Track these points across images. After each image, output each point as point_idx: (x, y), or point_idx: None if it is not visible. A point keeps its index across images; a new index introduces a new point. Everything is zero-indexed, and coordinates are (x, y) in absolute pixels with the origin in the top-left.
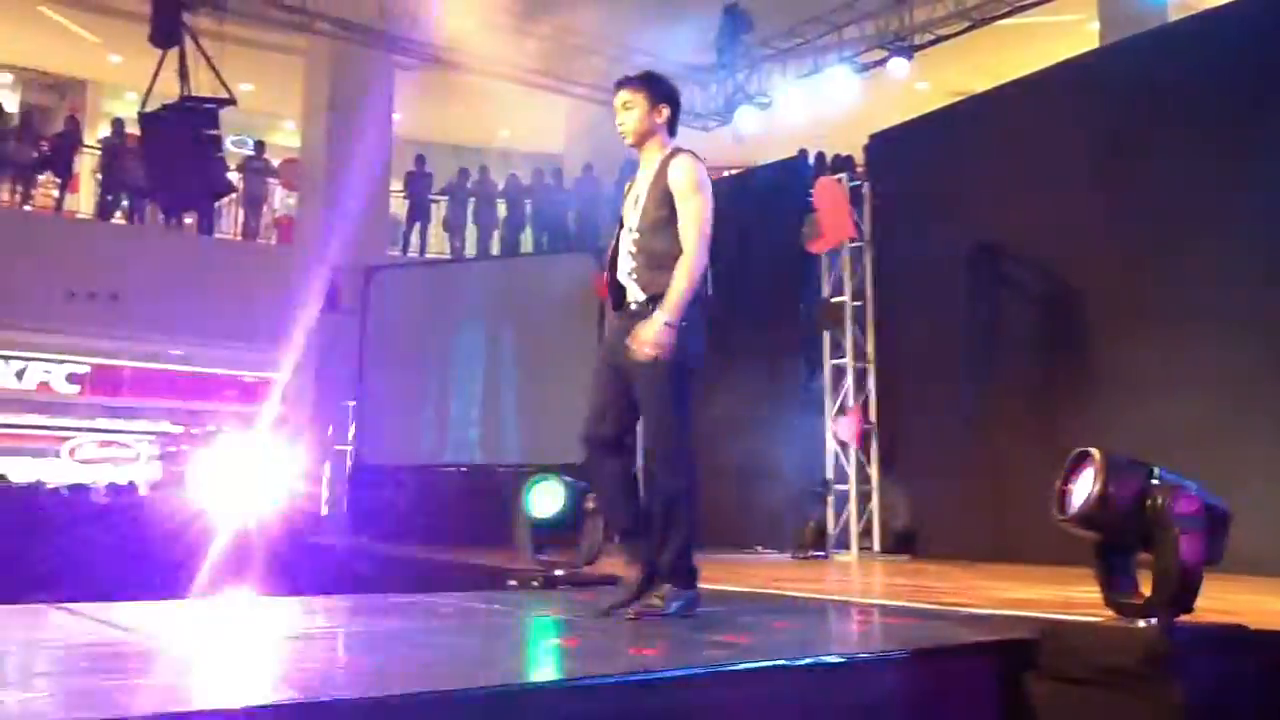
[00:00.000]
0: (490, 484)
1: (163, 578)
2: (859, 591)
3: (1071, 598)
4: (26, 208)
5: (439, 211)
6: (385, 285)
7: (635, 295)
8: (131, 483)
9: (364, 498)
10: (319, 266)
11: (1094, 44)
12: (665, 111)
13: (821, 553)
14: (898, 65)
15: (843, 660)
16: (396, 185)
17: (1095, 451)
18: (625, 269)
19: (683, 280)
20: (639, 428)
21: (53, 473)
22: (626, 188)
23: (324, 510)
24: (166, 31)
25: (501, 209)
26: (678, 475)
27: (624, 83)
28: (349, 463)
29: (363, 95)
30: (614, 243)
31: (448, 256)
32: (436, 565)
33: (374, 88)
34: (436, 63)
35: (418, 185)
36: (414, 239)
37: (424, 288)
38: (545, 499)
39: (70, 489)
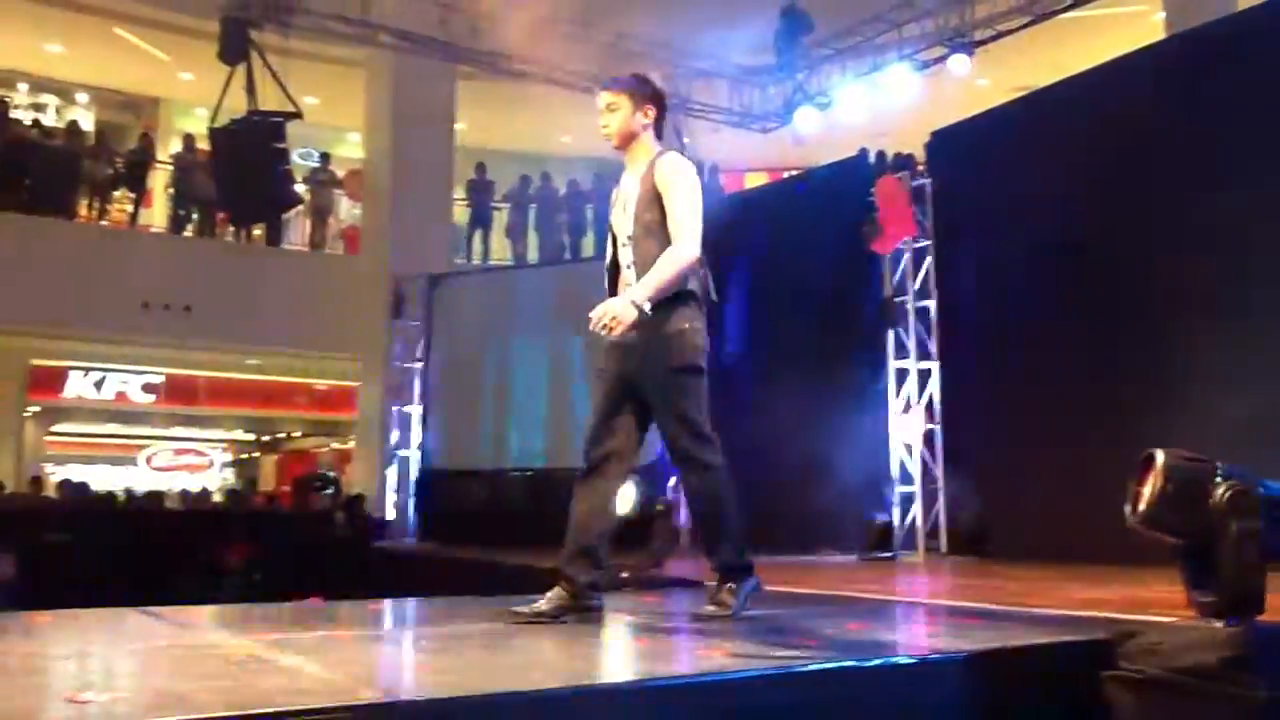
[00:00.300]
0: (555, 487)
1: (233, 581)
2: (928, 593)
3: (1146, 597)
4: (103, 223)
5: (501, 218)
6: (449, 292)
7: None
8: (205, 489)
9: (430, 502)
10: (384, 275)
11: (1159, 35)
12: (651, 113)
13: (888, 554)
14: (958, 62)
15: (915, 661)
16: (459, 193)
17: (1158, 452)
18: (629, 280)
19: (666, 266)
20: (643, 449)
21: (131, 480)
22: (613, 195)
23: (391, 514)
24: (234, 48)
25: (563, 214)
26: (710, 475)
27: (608, 84)
28: (415, 467)
29: (425, 105)
30: (611, 254)
31: (510, 263)
32: (504, 568)
33: (436, 98)
34: (497, 71)
35: (479, 193)
36: (476, 246)
37: (487, 294)
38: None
39: (147, 496)
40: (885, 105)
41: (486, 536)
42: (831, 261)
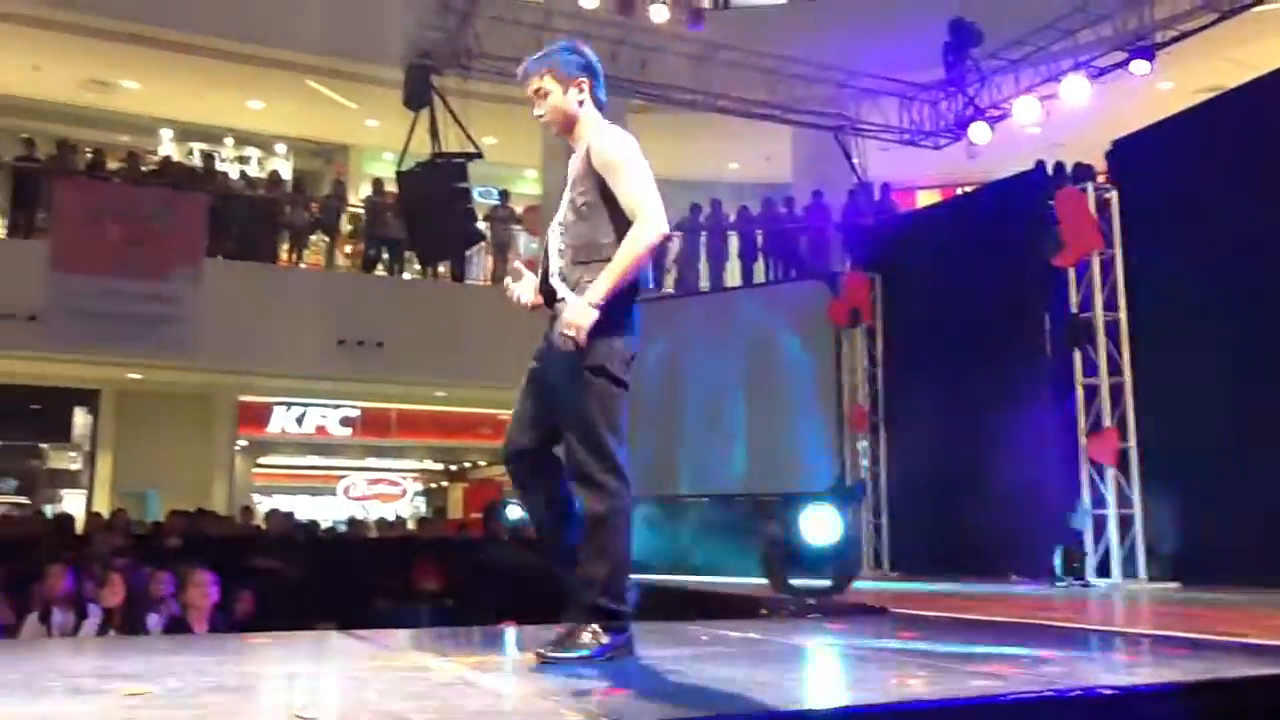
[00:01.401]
0: (729, 513)
1: (428, 606)
2: (1125, 621)
3: None
4: (301, 265)
5: (672, 247)
6: None
7: (565, 297)
8: (399, 517)
9: None
10: None
11: None
12: (585, 85)
13: (1082, 581)
14: (1139, 66)
15: (1117, 692)
16: None
17: None
18: (554, 268)
19: (627, 254)
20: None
21: (330, 510)
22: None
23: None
24: (418, 95)
25: (734, 241)
26: (600, 497)
27: (529, 68)
28: None
29: None
30: (544, 242)
31: (682, 291)
32: (685, 594)
33: None
34: (666, 102)
35: None
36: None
37: (660, 322)
38: (820, 526)
39: (347, 524)
40: (1061, 115)
41: (664, 562)
42: (1010, 278)
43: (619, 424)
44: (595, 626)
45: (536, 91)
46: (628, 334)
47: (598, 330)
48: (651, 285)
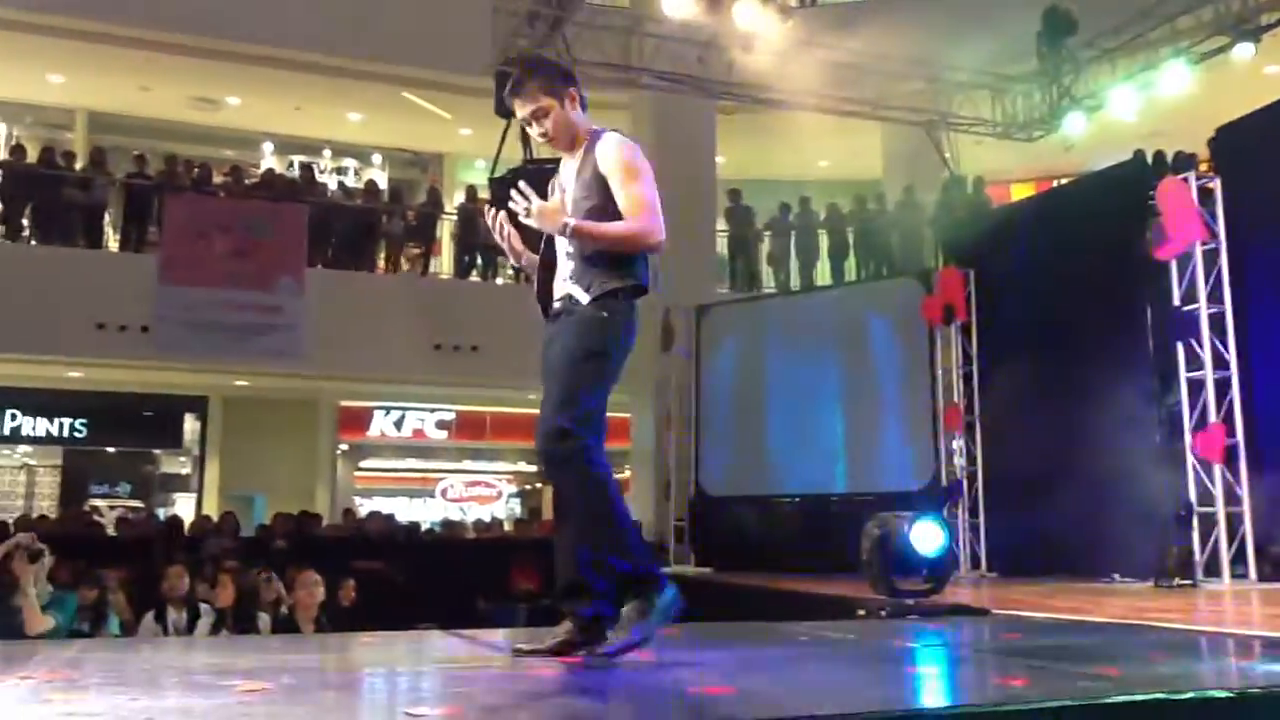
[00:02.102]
0: (826, 513)
1: (525, 606)
2: (1235, 622)
3: None
4: (397, 273)
5: (762, 246)
6: (715, 322)
7: (578, 298)
8: (495, 518)
9: (705, 528)
10: (652, 308)
11: None
12: (575, 94)
13: (1189, 581)
14: (1243, 50)
15: (1231, 695)
16: (720, 225)
17: None
18: (564, 273)
19: (623, 228)
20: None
21: (428, 512)
22: (550, 185)
23: (669, 541)
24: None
25: (824, 239)
26: (566, 448)
27: (517, 93)
28: (691, 495)
29: (686, 141)
30: (544, 247)
31: (773, 290)
32: (782, 594)
33: (696, 133)
34: (755, 103)
35: (738, 221)
36: (740, 274)
37: (752, 322)
38: (926, 538)
39: (445, 526)
40: (1161, 103)
41: (761, 562)
42: (1109, 271)
43: (603, 400)
44: (631, 603)
45: (534, 114)
46: (631, 332)
47: (593, 318)
48: (659, 289)
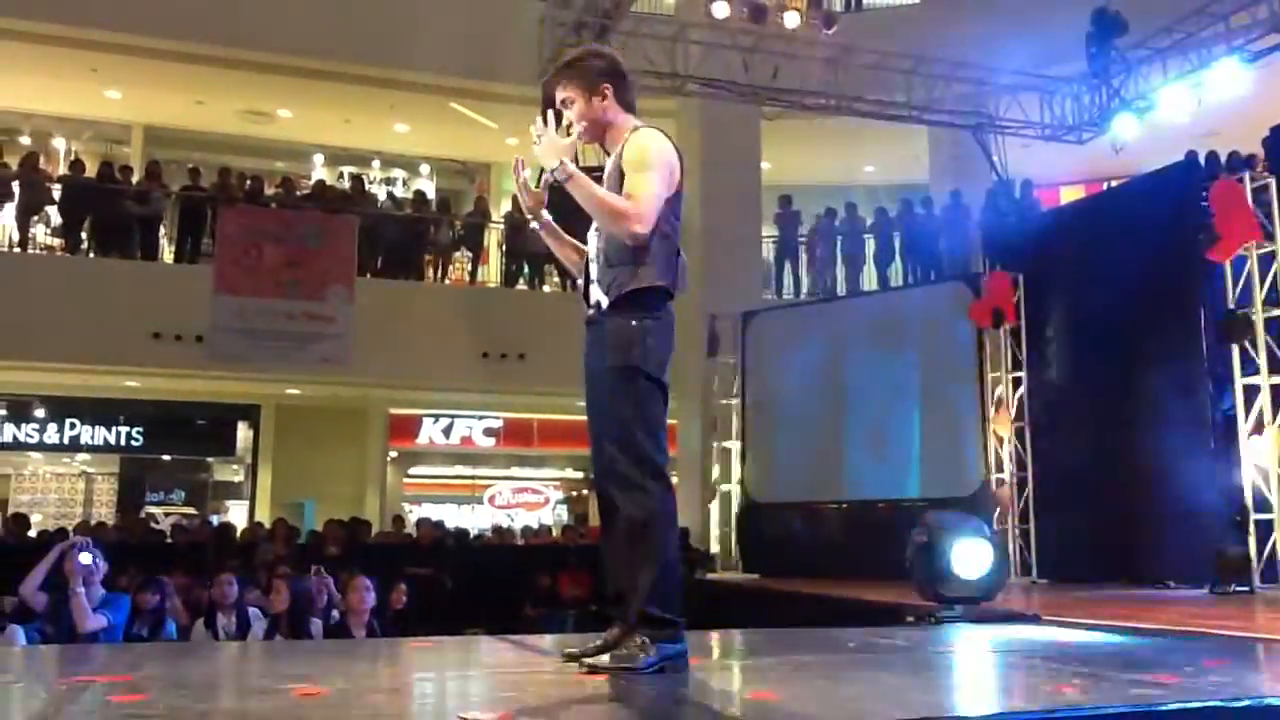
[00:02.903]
0: (874, 519)
1: (573, 612)
2: None
3: None
4: (445, 282)
5: (808, 252)
6: (761, 328)
7: (600, 300)
8: (543, 525)
9: (751, 534)
10: (699, 314)
11: None
12: (608, 90)
13: (1245, 588)
14: None
15: None
16: (766, 230)
17: None
18: (593, 273)
19: (607, 194)
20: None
21: (476, 518)
22: None
23: (714, 547)
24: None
25: (871, 244)
26: (640, 501)
27: (549, 81)
28: (735, 500)
29: (732, 147)
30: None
31: (819, 296)
32: (829, 600)
33: (742, 139)
34: (801, 108)
35: (786, 227)
36: (786, 280)
37: (798, 327)
38: (972, 558)
39: (494, 532)
40: (1214, 103)
41: (807, 568)
42: (1161, 274)
43: (655, 424)
44: (643, 637)
45: (562, 103)
46: (663, 333)
47: (621, 328)
48: (684, 287)
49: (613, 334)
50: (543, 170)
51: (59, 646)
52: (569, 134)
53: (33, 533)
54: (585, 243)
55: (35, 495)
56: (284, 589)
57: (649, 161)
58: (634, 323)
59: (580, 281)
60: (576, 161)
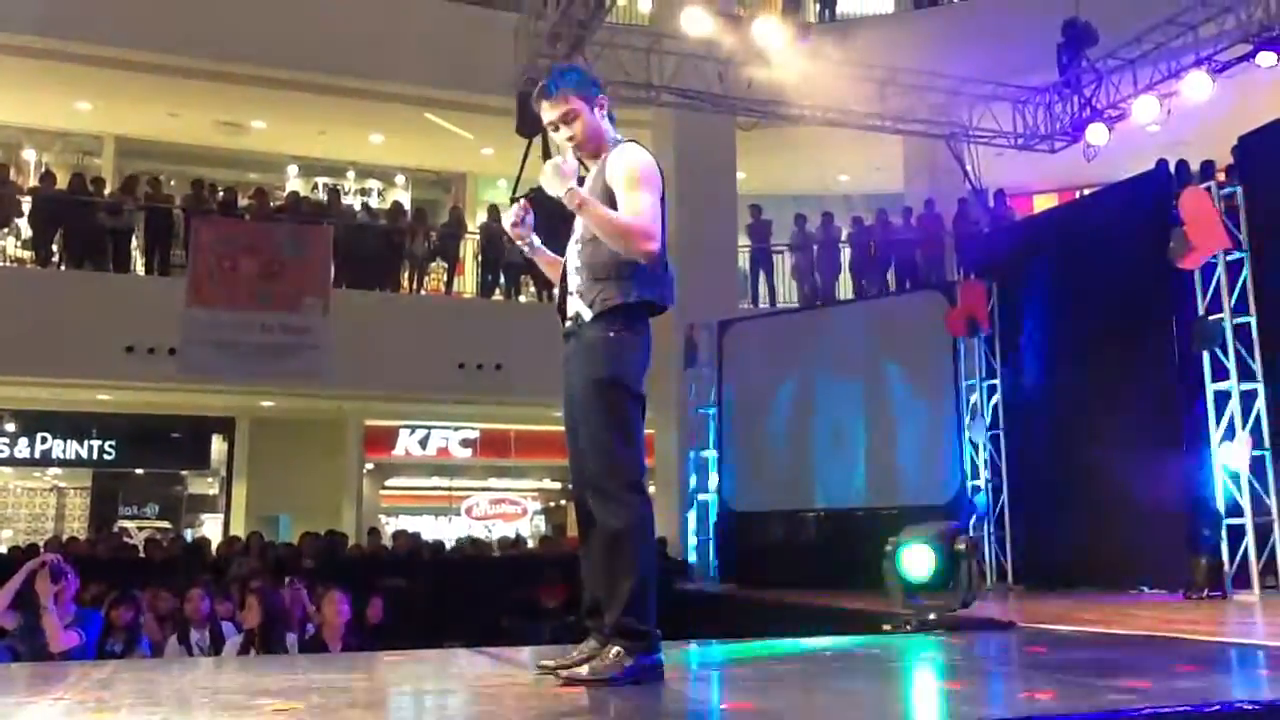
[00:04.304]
0: (851, 527)
1: (551, 623)
2: (1266, 635)
3: None
4: (421, 293)
5: (783, 261)
6: (738, 337)
7: (580, 313)
8: (520, 535)
9: (728, 544)
10: (676, 323)
11: None
12: (604, 101)
13: (1219, 593)
14: (1265, 59)
15: (1258, 708)
16: (742, 240)
17: None
18: (572, 285)
19: (619, 215)
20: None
21: (453, 529)
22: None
23: (691, 557)
24: (530, 122)
25: (846, 253)
26: (617, 512)
27: (549, 94)
28: (713, 510)
29: (707, 158)
30: (564, 261)
31: (795, 305)
32: (806, 609)
33: (717, 149)
34: (775, 119)
35: (758, 236)
36: (762, 290)
37: (776, 337)
38: (917, 561)
39: (470, 543)
40: (1183, 113)
41: (785, 577)
42: (1133, 282)
43: (634, 436)
44: (619, 648)
45: (564, 118)
46: (641, 348)
47: (602, 339)
48: (673, 301)
49: (591, 346)
50: (513, 197)
51: (30, 665)
52: (566, 157)
53: (3, 549)
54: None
55: (5, 511)
56: (256, 603)
57: (642, 177)
58: (612, 335)
59: (558, 292)
60: (581, 184)
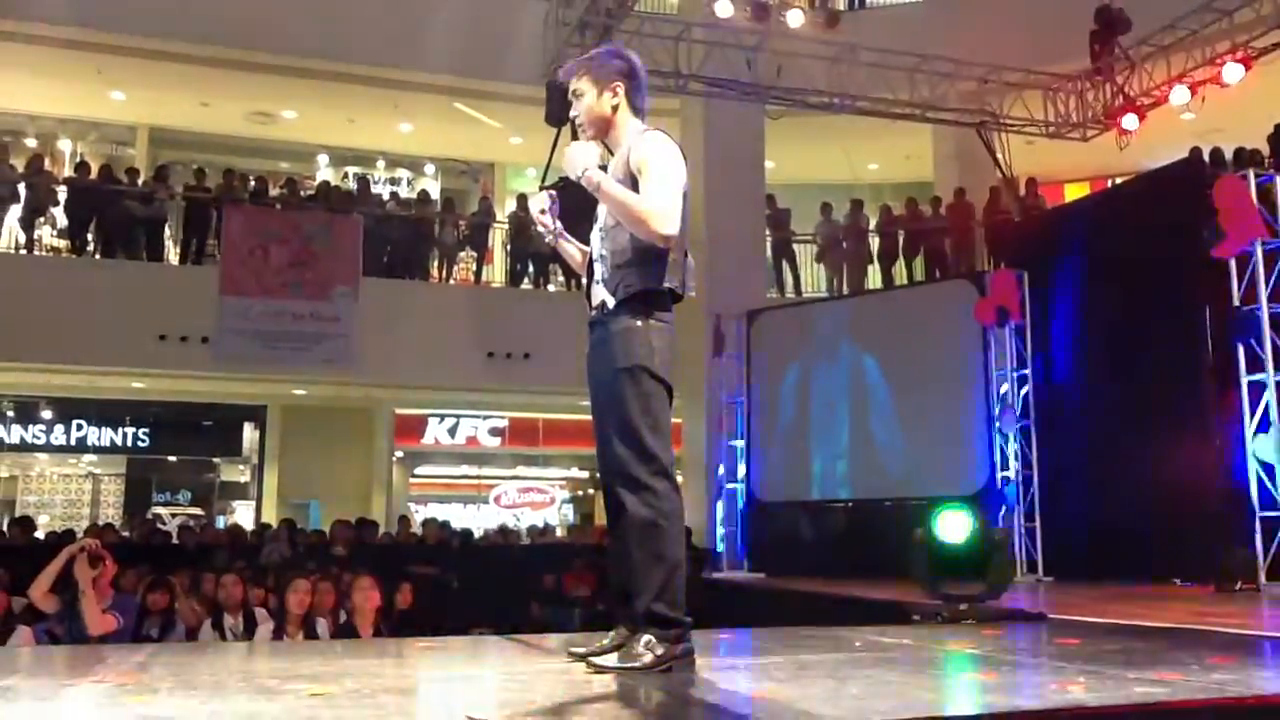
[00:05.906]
0: (879, 517)
1: (579, 611)
2: None
3: None
4: (451, 282)
5: (806, 250)
6: (766, 326)
7: (605, 300)
8: (549, 524)
9: (757, 533)
10: (704, 313)
11: None
12: (619, 89)
13: (1251, 585)
14: None
15: None
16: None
17: None
18: (597, 274)
19: (634, 195)
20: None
21: (482, 518)
22: None
23: (719, 546)
24: (558, 111)
25: (875, 242)
26: (644, 499)
27: (568, 70)
28: (741, 500)
29: (736, 147)
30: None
31: (823, 294)
32: (835, 599)
33: (746, 138)
34: (804, 107)
35: (776, 226)
36: (787, 279)
37: (803, 326)
38: (953, 526)
39: (500, 532)
40: (1218, 100)
41: (813, 567)
42: (1166, 271)
43: (662, 423)
44: (650, 636)
45: (573, 93)
46: (666, 335)
47: (626, 329)
48: (692, 292)
49: (617, 334)
50: (542, 185)
51: (69, 647)
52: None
53: (40, 534)
54: (588, 244)
55: (42, 497)
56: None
57: (664, 164)
58: (639, 323)
59: (584, 281)
60: (603, 167)
